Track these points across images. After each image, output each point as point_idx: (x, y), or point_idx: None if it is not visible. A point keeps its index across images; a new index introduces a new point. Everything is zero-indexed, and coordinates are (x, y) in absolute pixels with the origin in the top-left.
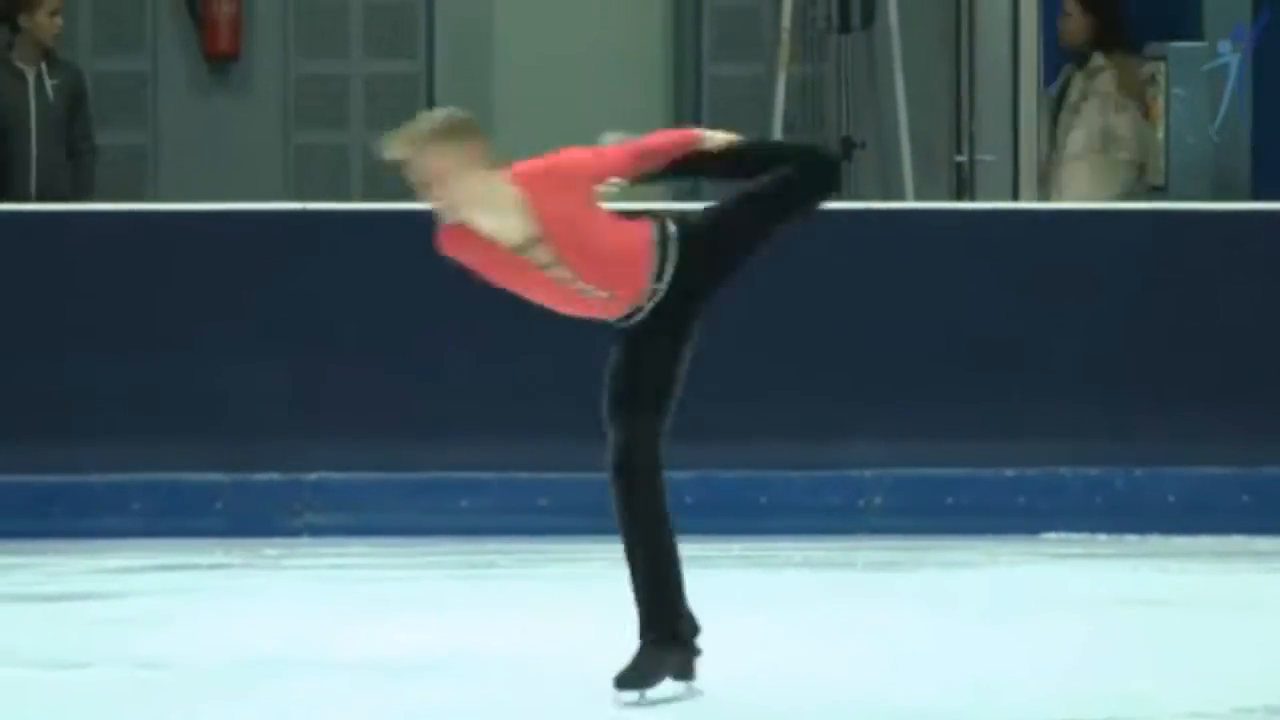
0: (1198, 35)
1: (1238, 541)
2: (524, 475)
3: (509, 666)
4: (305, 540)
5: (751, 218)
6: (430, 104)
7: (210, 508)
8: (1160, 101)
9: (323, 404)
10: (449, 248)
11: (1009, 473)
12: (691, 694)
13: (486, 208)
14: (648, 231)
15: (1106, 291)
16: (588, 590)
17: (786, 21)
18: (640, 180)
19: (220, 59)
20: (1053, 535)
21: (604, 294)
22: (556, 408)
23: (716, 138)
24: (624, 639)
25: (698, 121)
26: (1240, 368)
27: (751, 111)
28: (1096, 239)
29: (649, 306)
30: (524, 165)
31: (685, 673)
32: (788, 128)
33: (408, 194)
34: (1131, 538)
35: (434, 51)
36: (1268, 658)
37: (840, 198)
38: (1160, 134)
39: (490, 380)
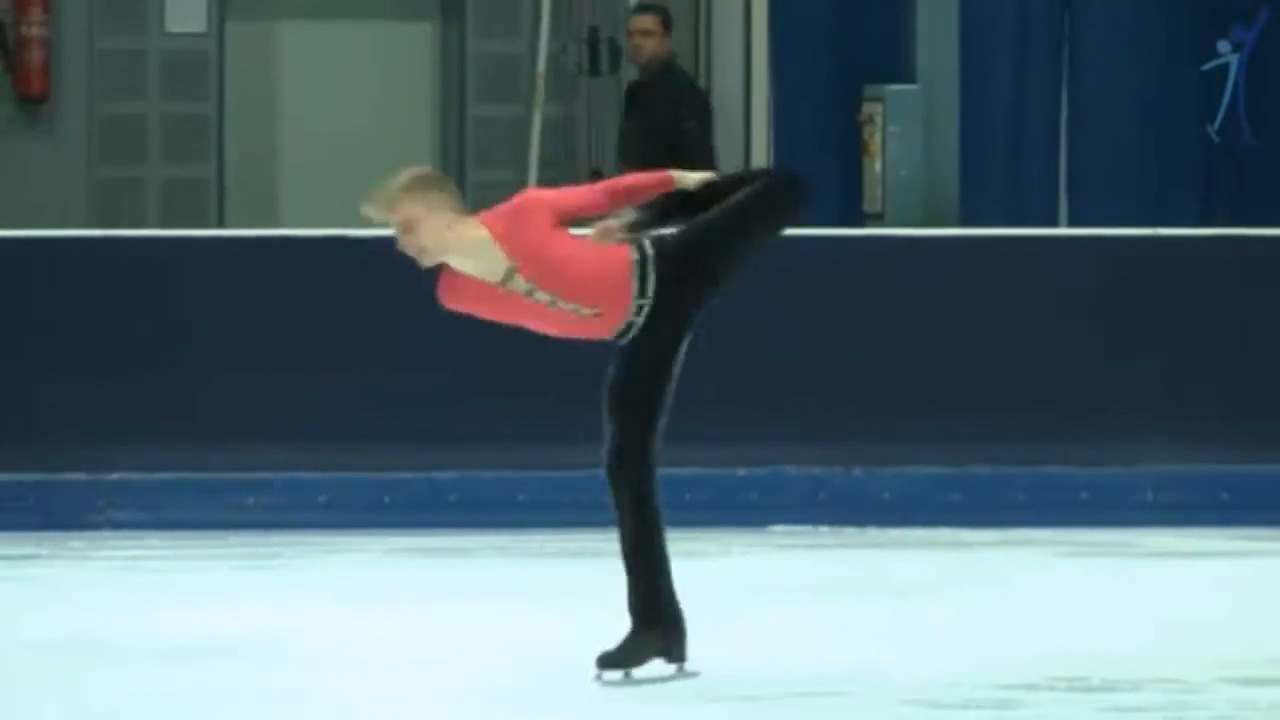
0: (911, 79)
1: (946, 534)
2: (306, 475)
3: (293, 650)
4: (108, 534)
5: (726, 234)
6: (220, 141)
7: (23, 504)
8: (877, 138)
9: (123, 411)
10: (448, 298)
11: (740, 471)
12: (682, 675)
13: (458, 250)
14: (626, 251)
15: (829, 308)
16: (364, 579)
17: (541, 67)
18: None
19: (31, 100)
20: (780, 528)
21: (589, 311)
22: (336, 412)
23: (690, 178)
24: (408, 623)
25: (461, 157)
26: (946, 379)
27: (510, 148)
28: (815, 261)
29: (640, 322)
30: (489, 211)
31: (674, 656)
32: (543, 163)
33: (199, 222)
34: (850, 530)
35: (224, 94)
36: (975, 638)
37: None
38: (877, 167)
39: (272, 388)
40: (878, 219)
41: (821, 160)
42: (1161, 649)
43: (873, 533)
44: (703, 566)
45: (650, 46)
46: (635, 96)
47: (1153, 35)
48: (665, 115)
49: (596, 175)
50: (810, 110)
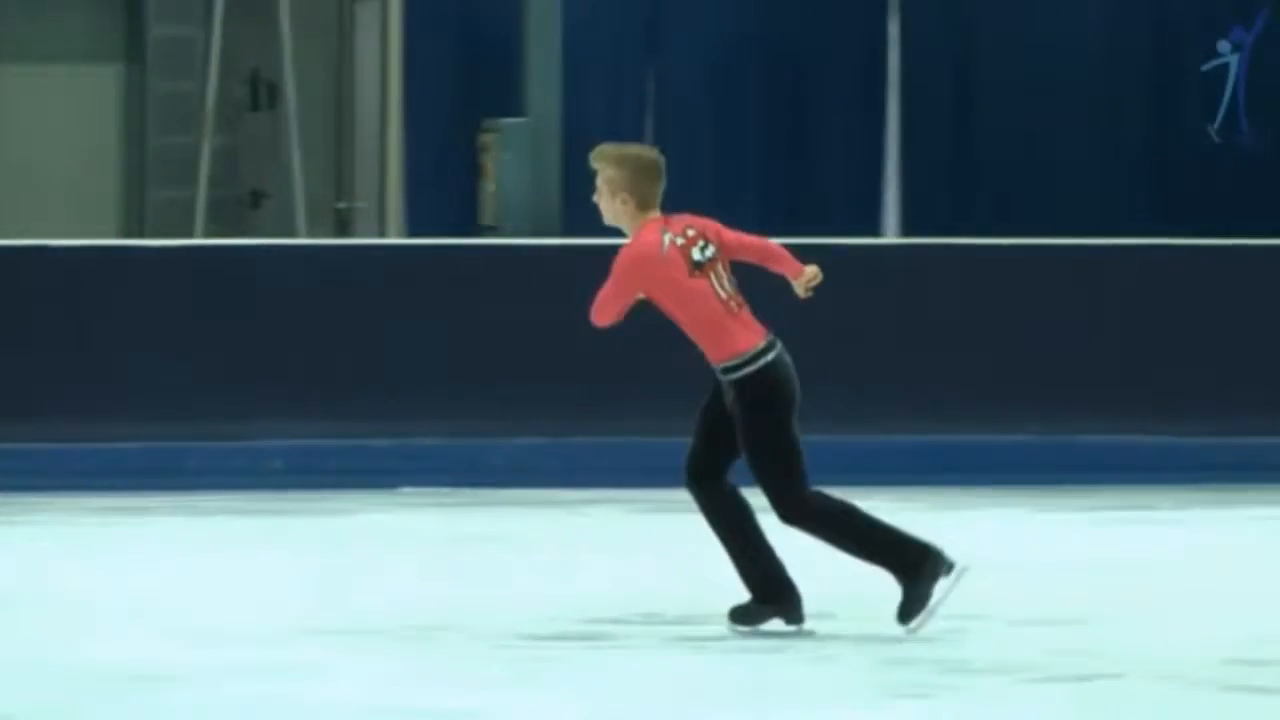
0: (522, 113)
1: (555, 494)
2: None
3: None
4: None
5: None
6: None
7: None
8: (492, 163)
9: None
10: None
11: (377, 442)
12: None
13: None
14: None
15: (436, 300)
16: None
17: (210, 102)
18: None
19: None
20: (409, 490)
21: None
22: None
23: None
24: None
25: (143, 179)
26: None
27: (184, 172)
28: (438, 268)
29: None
30: None
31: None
32: (211, 184)
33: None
34: (467, 491)
35: None
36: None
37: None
38: (493, 188)
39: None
40: (495, 230)
41: (446, 181)
42: None
43: (485, 492)
44: (342, 523)
45: None
46: None
47: (729, 76)
48: None
49: (256, 195)
50: (436, 140)
